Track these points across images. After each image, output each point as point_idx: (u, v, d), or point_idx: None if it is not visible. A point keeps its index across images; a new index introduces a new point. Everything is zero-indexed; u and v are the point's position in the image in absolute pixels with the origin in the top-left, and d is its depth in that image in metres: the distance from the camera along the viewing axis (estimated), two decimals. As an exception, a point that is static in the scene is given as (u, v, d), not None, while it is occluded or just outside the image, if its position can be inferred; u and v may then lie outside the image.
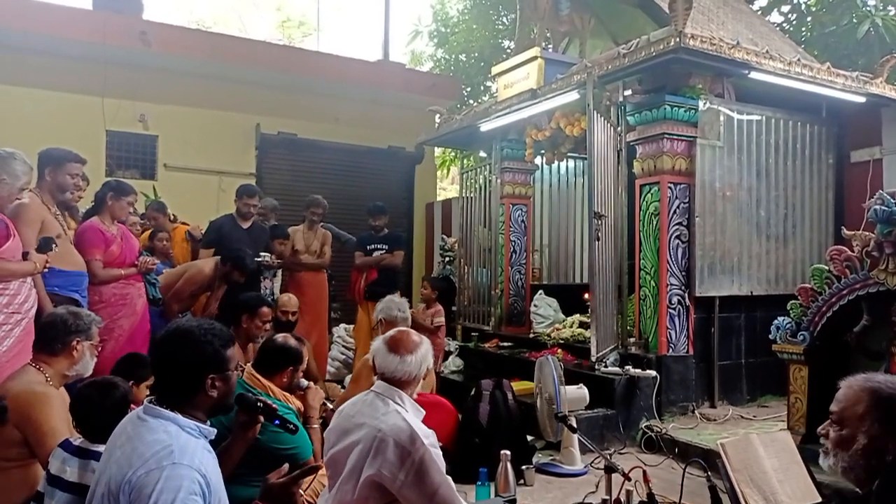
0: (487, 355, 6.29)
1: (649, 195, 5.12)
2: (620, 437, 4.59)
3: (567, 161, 7.41)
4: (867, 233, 3.56)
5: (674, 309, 5.03)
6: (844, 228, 3.80)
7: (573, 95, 5.26)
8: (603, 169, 5.07)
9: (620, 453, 4.36)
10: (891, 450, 1.63)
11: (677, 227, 5.06)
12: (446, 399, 4.20)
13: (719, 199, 5.23)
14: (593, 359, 4.87)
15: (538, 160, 7.15)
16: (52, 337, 2.71)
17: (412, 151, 10.08)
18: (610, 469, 2.86)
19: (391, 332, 2.48)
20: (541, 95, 5.63)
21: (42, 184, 3.82)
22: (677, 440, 4.37)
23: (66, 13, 8.17)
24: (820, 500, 2.86)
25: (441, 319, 6.18)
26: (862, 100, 5.43)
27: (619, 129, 5.37)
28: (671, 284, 5.03)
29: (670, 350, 4.99)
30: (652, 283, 5.08)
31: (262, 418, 2.29)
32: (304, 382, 3.16)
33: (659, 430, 4.53)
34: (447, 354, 6.50)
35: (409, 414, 2.28)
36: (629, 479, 2.78)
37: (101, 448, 2.06)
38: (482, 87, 13.15)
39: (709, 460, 2.94)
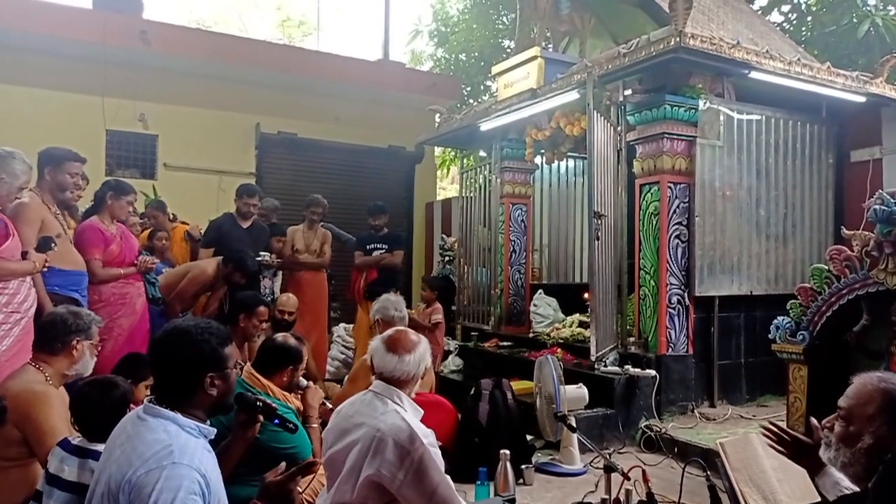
0: (487, 355, 6.29)
1: (649, 195, 5.12)
2: (620, 437, 4.59)
3: (567, 161, 7.41)
4: (867, 232, 3.55)
5: (673, 308, 5.03)
6: (844, 228, 3.78)
7: (573, 95, 5.26)
8: (603, 168, 5.07)
9: (620, 453, 4.37)
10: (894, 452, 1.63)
11: (677, 226, 5.06)
12: (446, 398, 4.19)
13: (719, 199, 5.23)
14: (593, 358, 4.87)
15: (538, 160, 7.15)
16: (51, 336, 2.71)
17: (412, 151, 10.08)
18: (609, 468, 2.87)
19: (389, 332, 2.46)
20: (541, 95, 5.62)
21: (42, 183, 3.82)
22: (677, 440, 4.37)
23: (66, 13, 8.18)
24: (819, 499, 2.85)
25: (439, 317, 6.14)
26: (862, 99, 5.43)
27: (619, 128, 5.37)
28: (671, 284, 5.03)
29: (670, 349, 5.00)
30: (651, 282, 5.08)
31: (261, 417, 2.29)
32: (304, 382, 3.15)
33: (658, 429, 4.53)
34: (447, 354, 6.48)
35: (407, 413, 2.28)
36: (628, 479, 2.77)
37: (99, 447, 2.07)
38: (482, 87, 13.16)
39: (708, 460, 2.94)
